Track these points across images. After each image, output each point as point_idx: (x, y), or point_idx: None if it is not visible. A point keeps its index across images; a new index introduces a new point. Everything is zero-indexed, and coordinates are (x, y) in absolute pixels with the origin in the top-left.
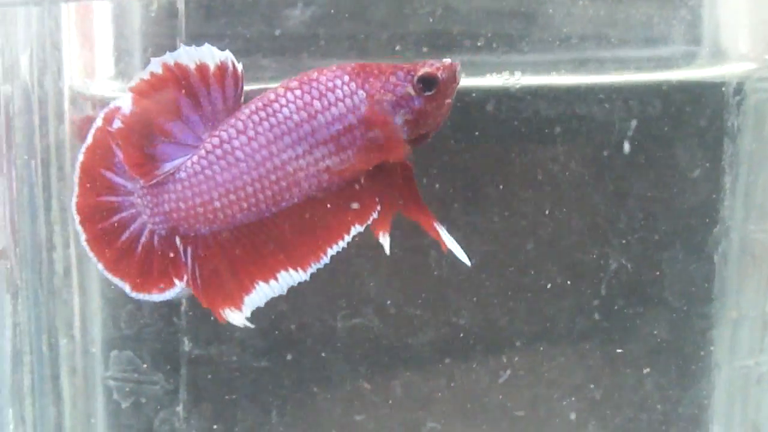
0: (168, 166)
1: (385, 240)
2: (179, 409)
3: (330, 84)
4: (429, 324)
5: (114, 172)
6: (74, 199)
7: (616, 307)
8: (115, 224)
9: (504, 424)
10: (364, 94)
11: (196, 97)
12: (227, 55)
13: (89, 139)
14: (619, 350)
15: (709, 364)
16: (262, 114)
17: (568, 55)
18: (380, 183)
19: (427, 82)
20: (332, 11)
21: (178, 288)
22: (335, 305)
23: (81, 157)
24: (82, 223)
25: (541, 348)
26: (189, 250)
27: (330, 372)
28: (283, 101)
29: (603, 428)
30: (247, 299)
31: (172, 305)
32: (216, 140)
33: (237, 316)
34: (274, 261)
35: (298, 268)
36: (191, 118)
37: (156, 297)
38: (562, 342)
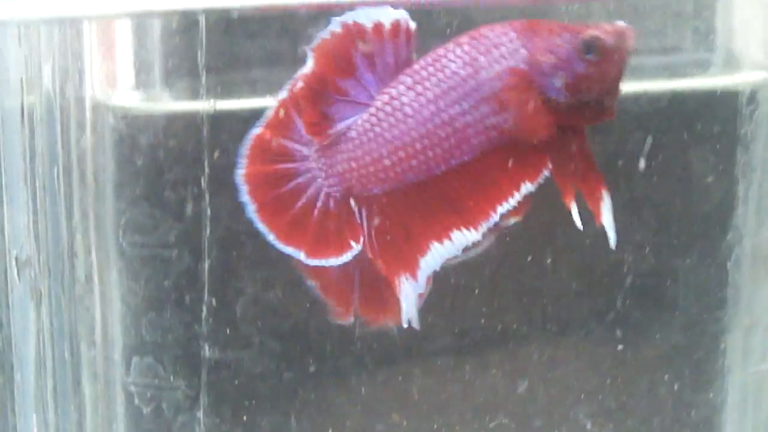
0: (341, 126)
1: (573, 210)
2: (200, 414)
3: (496, 40)
4: (445, 330)
5: (292, 139)
6: (242, 171)
7: (630, 312)
8: (290, 191)
9: (518, 426)
10: (526, 54)
11: (370, 56)
12: (402, 14)
13: (270, 113)
14: (632, 354)
15: (723, 369)
16: (431, 69)
17: None
18: (552, 144)
19: (591, 46)
20: None
21: (354, 250)
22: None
23: (257, 130)
24: (251, 193)
25: (557, 352)
26: (363, 211)
27: (348, 378)
28: (452, 56)
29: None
30: (422, 262)
31: (192, 312)
32: (385, 97)
33: (410, 289)
34: (446, 220)
35: (470, 228)
36: (365, 77)
37: (332, 261)
38: (577, 346)
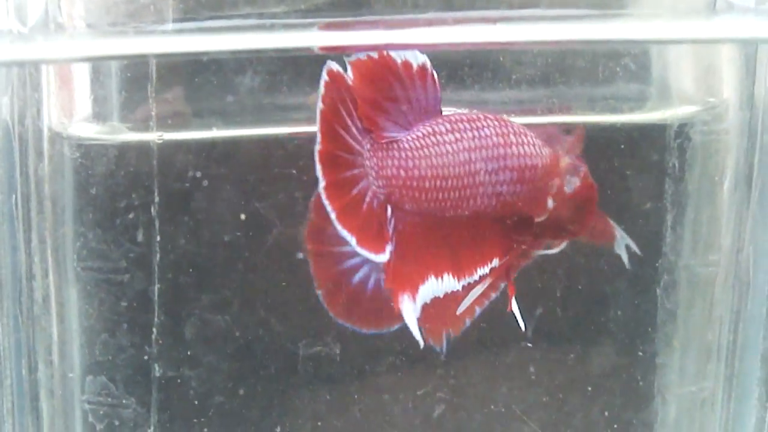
0: (392, 134)
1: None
2: (150, 430)
3: (523, 130)
4: (387, 351)
5: (348, 132)
6: (317, 147)
7: (565, 334)
8: (348, 179)
9: None
10: (550, 151)
11: (404, 88)
12: (425, 59)
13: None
14: (567, 375)
15: (654, 391)
16: (467, 125)
17: (517, 98)
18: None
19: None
20: (277, 79)
21: (387, 256)
22: (297, 334)
23: (321, 106)
24: (322, 171)
25: (495, 373)
26: (392, 221)
27: (294, 397)
28: (486, 123)
29: None
30: (421, 289)
31: (143, 334)
32: (428, 129)
33: (410, 307)
34: (444, 261)
35: (456, 276)
36: (401, 106)
37: (373, 257)
38: (513, 367)
